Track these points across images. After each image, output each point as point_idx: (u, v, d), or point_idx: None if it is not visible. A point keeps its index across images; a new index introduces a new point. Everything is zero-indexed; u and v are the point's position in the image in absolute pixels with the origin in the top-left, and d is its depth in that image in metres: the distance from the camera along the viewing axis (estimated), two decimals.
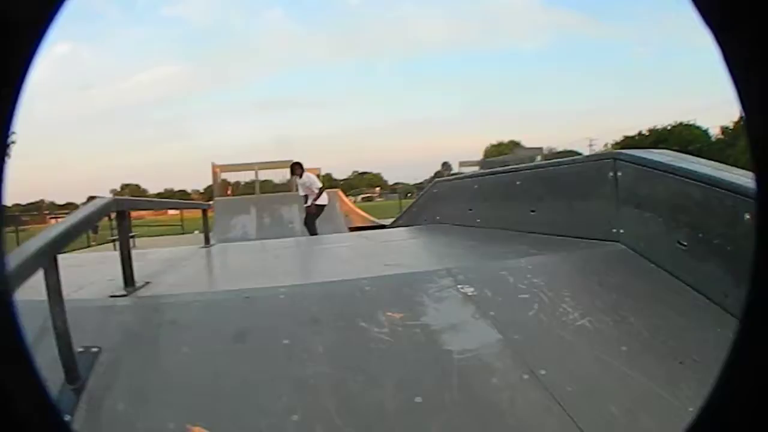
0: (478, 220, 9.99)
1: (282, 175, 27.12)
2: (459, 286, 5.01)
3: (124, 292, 5.32)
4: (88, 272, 6.95)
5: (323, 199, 17.37)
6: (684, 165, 5.63)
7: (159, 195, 75.94)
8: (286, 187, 26.24)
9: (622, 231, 6.24)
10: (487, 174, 10.95)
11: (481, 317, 4.55)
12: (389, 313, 4.47)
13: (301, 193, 17.75)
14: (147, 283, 5.81)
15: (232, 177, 27.78)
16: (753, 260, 0.92)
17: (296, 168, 17.59)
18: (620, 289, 5.15)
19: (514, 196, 8.85)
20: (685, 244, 5.29)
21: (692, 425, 0.90)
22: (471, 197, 10.52)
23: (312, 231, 16.85)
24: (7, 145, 0.89)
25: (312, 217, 17.07)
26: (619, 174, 6.38)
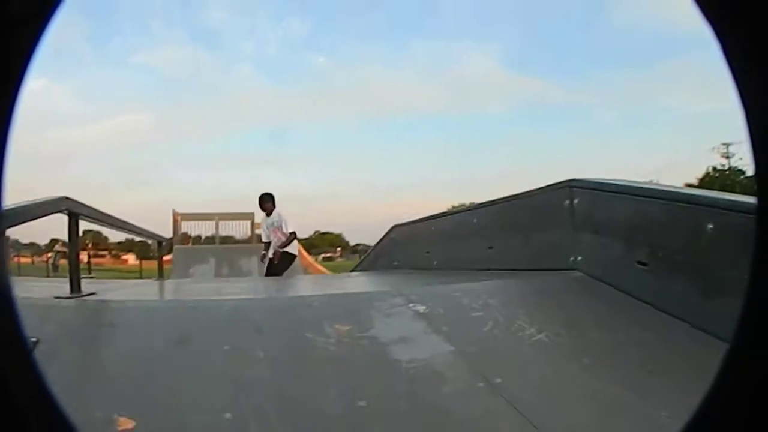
0: (435, 262, 9.69)
1: (243, 230, 26.64)
2: (410, 305, 4.68)
3: (69, 295, 5.14)
4: (38, 285, 7.10)
5: (293, 248, 12.57)
6: (640, 185, 5.47)
7: (120, 243, 75.95)
8: (247, 242, 25.81)
9: (580, 258, 5.95)
10: (444, 215, 10.71)
11: (432, 332, 4.23)
12: (336, 326, 4.16)
13: (264, 238, 13.00)
14: (93, 293, 5.54)
15: (193, 230, 27.25)
16: (752, 261, 0.83)
17: (265, 201, 12.60)
18: (579, 309, 4.88)
19: (472, 234, 8.59)
20: (646, 263, 5.03)
21: (689, 425, 0.84)
22: (428, 240, 10.26)
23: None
24: (7, 144, 0.86)
25: (277, 271, 12.12)
26: (576, 201, 6.13)
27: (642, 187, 5.35)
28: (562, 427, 3.10)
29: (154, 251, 14.01)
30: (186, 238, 26.53)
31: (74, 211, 5.51)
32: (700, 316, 4.28)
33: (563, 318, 4.60)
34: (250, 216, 24.36)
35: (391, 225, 12.57)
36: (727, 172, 61.99)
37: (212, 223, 26.18)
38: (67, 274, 5.56)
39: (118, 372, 3.47)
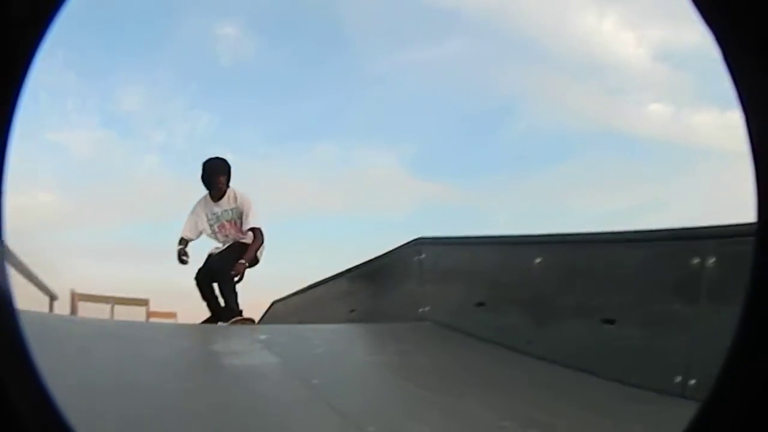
0: None
1: (139, 319, 25.41)
2: (252, 335, 4.81)
3: None
4: None
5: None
6: (478, 233, 5.67)
7: None
8: None
9: (428, 308, 6.02)
10: (318, 284, 10.66)
11: (265, 350, 4.29)
12: (178, 341, 4.39)
13: (191, 234, 7.07)
14: None
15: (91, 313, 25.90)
16: (752, 262, 0.84)
17: (217, 171, 7.02)
18: (415, 344, 5.00)
19: (339, 298, 8.61)
20: (483, 303, 5.15)
21: (691, 425, 0.85)
22: (302, 309, 10.13)
23: (231, 310, 6.34)
24: (8, 145, 0.87)
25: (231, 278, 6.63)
26: (423, 256, 6.28)
27: (477, 236, 5.59)
28: (357, 407, 3.16)
29: None
30: None
31: None
32: (529, 342, 4.45)
33: (397, 349, 4.71)
34: (144, 302, 23.33)
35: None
36: None
37: (108, 310, 25.07)
38: None
39: None
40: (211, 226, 6.98)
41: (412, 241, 6.52)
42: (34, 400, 0.89)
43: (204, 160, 7.00)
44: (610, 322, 3.89)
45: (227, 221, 6.95)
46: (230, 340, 4.44)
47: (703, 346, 3.37)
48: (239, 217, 6.91)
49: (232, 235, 6.89)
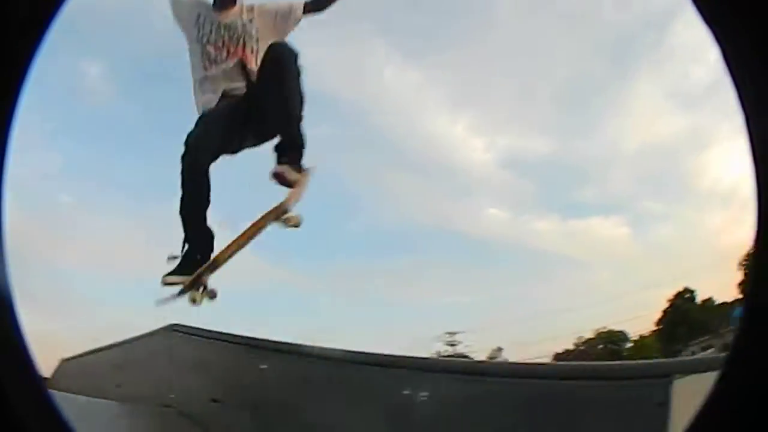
0: None
1: None
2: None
3: None
4: None
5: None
6: (228, 333, 5.82)
7: None
8: None
9: (173, 396, 6.11)
10: (105, 348, 10.28)
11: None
12: None
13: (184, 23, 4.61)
14: None
15: None
16: (752, 264, 0.88)
17: None
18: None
19: (110, 370, 8.37)
20: (218, 399, 5.29)
21: (691, 426, 0.88)
22: (86, 374, 9.72)
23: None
24: (8, 145, 0.88)
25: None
26: (174, 343, 6.38)
27: (222, 332, 5.76)
28: None
29: None
30: None
31: None
32: None
33: None
34: None
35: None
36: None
37: None
38: None
39: None
40: (204, 36, 4.44)
41: (167, 326, 6.60)
42: (34, 400, 0.92)
43: None
44: None
45: (231, 37, 4.45)
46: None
47: None
48: (257, 35, 4.42)
49: (236, 61, 4.37)
